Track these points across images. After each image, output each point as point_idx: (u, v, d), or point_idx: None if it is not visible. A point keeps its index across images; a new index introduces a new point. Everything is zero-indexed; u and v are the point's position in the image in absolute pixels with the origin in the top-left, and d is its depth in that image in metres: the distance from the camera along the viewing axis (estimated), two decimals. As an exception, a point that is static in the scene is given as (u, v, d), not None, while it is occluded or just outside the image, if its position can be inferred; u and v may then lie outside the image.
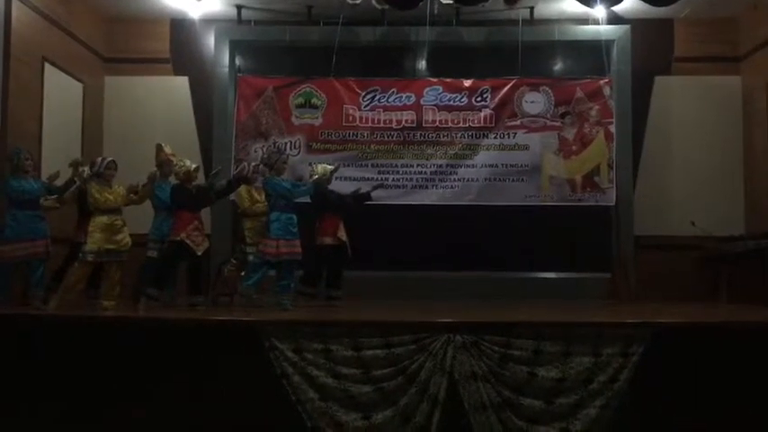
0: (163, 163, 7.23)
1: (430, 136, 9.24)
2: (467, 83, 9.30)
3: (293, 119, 9.25)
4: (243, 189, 7.40)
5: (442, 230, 9.23)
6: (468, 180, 9.19)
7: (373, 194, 7.86)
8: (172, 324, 5.64)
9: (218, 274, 7.69)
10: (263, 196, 7.34)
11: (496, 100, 9.25)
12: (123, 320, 5.87)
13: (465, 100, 9.27)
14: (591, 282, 9.17)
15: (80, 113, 8.97)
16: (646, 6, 8.10)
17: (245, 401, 5.32)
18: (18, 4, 7.56)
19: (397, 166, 9.21)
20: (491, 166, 9.19)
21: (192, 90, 9.55)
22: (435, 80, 9.36)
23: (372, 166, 9.18)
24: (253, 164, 7.57)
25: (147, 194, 7.06)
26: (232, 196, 7.63)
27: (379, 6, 8.57)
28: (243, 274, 7.30)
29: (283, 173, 7.24)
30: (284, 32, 9.39)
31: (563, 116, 9.25)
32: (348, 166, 8.90)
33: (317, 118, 9.26)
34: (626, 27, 9.37)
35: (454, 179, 9.19)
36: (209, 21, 9.40)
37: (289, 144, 9.09)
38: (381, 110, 9.26)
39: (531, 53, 9.32)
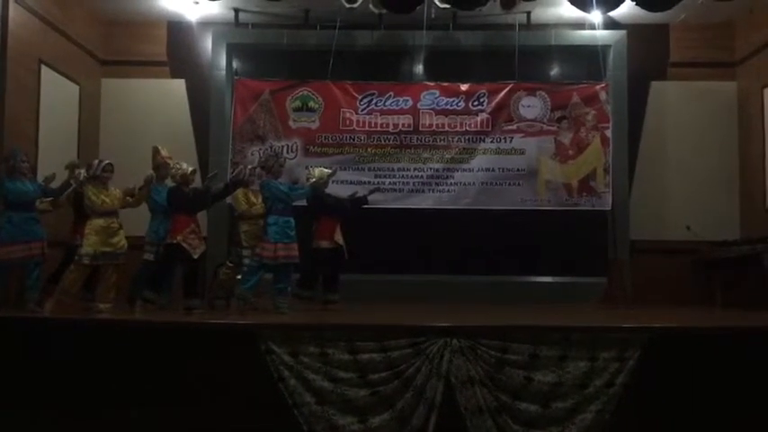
0: (159, 166, 7.21)
1: (427, 140, 9.25)
2: (463, 87, 9.32)
3: (290, 122, 9.26)
4: (240, 192, 7.40)
5: (438, 234, 9.22)
6: (464, 184, 9.20)
7: (370, 198, 7.87)
8: (168, 327, 5.63)
9: (214, 278, 7.68)
10: (260, 199, 7.34)
11: (493, 104, 9.27)
12: (119, 323, 5.86)
13: (462, 104, 9.29)
14: (587, 286, 9.18)
15: (77, 116, 8.96)
16: (642, 12, 8.13)
17: (242, 405, 5.31)
18: (15, 6, 7.56)
19: (393, 169, 9.23)
20: (487, 170, 9.21)
21: (189, 93, 9.55)
22: (432, 84, 9.37)
23: (369, 169, 9.19)
24: (250, 167, 7.57)
25: (143, 197, 7.05)
26: (229, 199, 7.62)
27: (376, 10, 8.58)
28: (239, 277, 7.29)
29: (280, 176, 7.23)
30: (281, 36, 9.40)
31: (559, 120, 9.28)
32: (345, 169, 8.90)
33: (314, 121, 9.27)
34: (622, 32, 9.40)
35: (451, 183, 9.21)
36: (206, 24, 9.40)
37: (286, 147, 9.09)
38: (378, 113, 9.28)
39: (528, 58, 9.36)
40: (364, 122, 9.27)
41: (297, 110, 9.28)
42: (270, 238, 6.85)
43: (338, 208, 7.49)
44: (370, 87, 9.31)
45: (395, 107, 9.29)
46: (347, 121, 9.26)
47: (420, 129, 9.26)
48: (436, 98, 9.31)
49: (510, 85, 9.28)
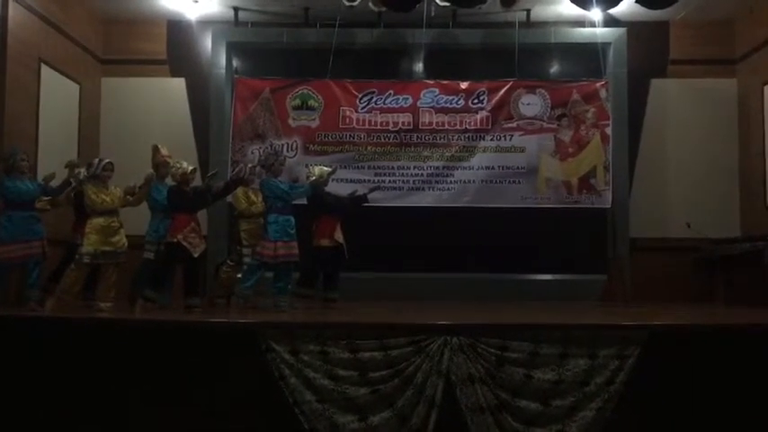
0: (159, 164, 7.21)
1: (426, 138, 9.25)
2: (463, 85, 9.32)
3: (290, 121, 9.26)
4: (240, 191, 7.40)
5: (438, 232, 9.23)
6: (464, 182, 9.20)
7: (370, 196, 7.86)
8: (168, 326, 5.63)
9: (214, 276, 7.68)
10: (260, 198, 7.34)
11: (493, 102, 9.27)
12: (120, 322, 5.86)
13: (461, 102, 9.29)
14: (587, 284, 9.18)
15: (77, 115, 8.97)
16: (642, 9, 8.13)
17: (242, 403, 5.32)
18: (15, 5, 7.56)
19: (393, 168, 9.23)
20: (487, 168, 9.21)
21: (188, 92, 9.56)
22: (432, 82, 9.37)
23: (369, 167, 9.20)
24: (249, 165, 7.57)
25: (143, 196, 7.04)
26: (229, 198, 7.62)
27: (375, 8, 8.58)
28: (239, 275, 7.29)
29: (280, 174, 7.24)
30: (281, 34, 9.40)
31: (559, 118, 9.28)
32: (345, 167, 8.90)
33: (313, 120, 9.27)
34: (622, 30, 9.40)
35: (451, 181, 9.21)
36: (206, 22, 9.41)
37: (285, 146, 9.09)
38: (378, 112, 9.27)
39: (528, 55, 9.36)
40: (364, 121, 9.27)
41: (297, 108, 9.28)
42: (270, 236, 6.85)
43: (338, 206, 7.48)
44: (370, 86, 9.31)
45: (395, 105, 9.29)
46: (347, 120, 9.26)
47: (420, 127, 9.26)
48: (436, 96, 9.31)
49: (510, 83, 9.28)
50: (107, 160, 6.80)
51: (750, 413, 5.29)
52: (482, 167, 9.21)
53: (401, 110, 9.29)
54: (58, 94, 8.48)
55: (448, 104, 9.30)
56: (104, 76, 9.59)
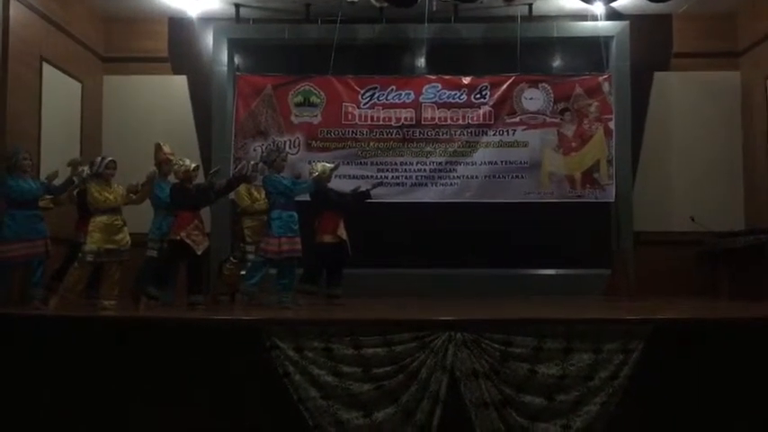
0: (162, 162, 7.21)
1: (429, 133, 9.24)
2: (465, 80, 9.30)
3: (292, 117, 9.26)
4: (242, 188, 7.40)
5: (441, 228, 9.23)
6: (467, 177, 9.19)
7: (373, 192, 7.86)
8: (172, 324, 5.63)
9: (217, 274, 7.69)
10: (263, 194, 7.34)
11: (495, 97, 9.25)
12: (123, 320, 5.86)
13: (464, 97, 9.28)
14: (591, 278, 9.18)
15: (79, 113, 8.97)
16: (644, 2, 8.13)
17: (247, 401, 5.32)
18: (16, 4, 7.56)
19: (396, 163, 9.23)
20: (490, 163, 9.20)
21: (190, 89, 9.55)
22: (434, 77, 9.36)
23: (372, 163, 9.19)
24: (252, 162, 7.57)
25: (146, 194, 7.04)
26: (232, 195, 7.62)
27: (377, 4, 8.57)
28: (243, 272, 7.29)
29: (282, 170, 7.23)
30: (283, 31, 9.40)
31: (562, 113, 9.26)
32: (347, 163, 8.90)
33: (316, 116, 9.26)
34: (624, 23, 9.38)
35: (453, 176, 9.20)
36: (207, 19, 9.40)
37: (288, 142, 9.09)
38: (380, 108, 9.27)
39: (530, 50, 9.34)
40: (366, 117, 9.26)
41: (299, 105, 9.28)
42: (274, 232, 6.84)
43: (341, 203, 7.47)
44: (372, 81, 9.30)
45: (397, 101, 9.28)
46: (349, 116, 9.25)
47: (422, 122, 9.25)
48: (438, 91, 9.30)
49: (512, 78, 9.26)
50: (110, 158, 6.79)
51: (755, 407, 5.29)
52: (485, 162, 9.20)
53: (403, 105, 9.28)
54: (59, 93, 8.48)
55: (450, 99, 9.28)
56: (106, 74, 9.59)
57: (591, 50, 9.41)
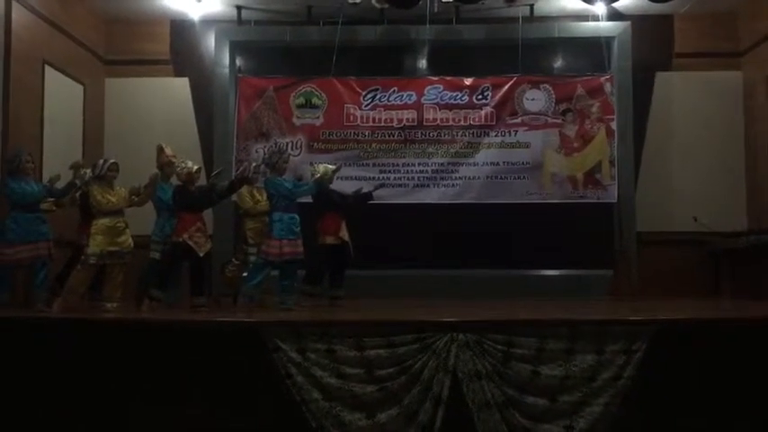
0: (164, 164, 7.22)
1: (431, 134, 9.24)
2: (467, 81, 9.30)
3: (294, 119, 9.26)
4: (244, 189, 7.40)
5: (443, 229, 9.22)
6: (469, 178, 9.19)
7: (375, 194, 7.85)
8: (175, 326, 5.64)
9: (220, 275, 7.69)
10: (265, 196, 7.34)
11: (497, 98, 9.25)
12: (126, 322, 5.87)
13: (466, 98, 9.27)
14: (593, 279, 9.16)
15: (81, 115, 8.99)
16: (645, 2, 8.12)
17: (249, 402, 5.32)
18: (18, 6, 7.57)
19: (398, 165, 9.23)
20: (492, 164, 9.20)
21: (192, 91, 9.57)
22: (436, 78, 9.36)
23: (374, 165, 9.20)
24: (254, 164, 7.56)
25: (148, 196, 7.04)
26: (234, 197, 7.62)
27: (378, 5, 8.58)
28: (245, 274, 7.30)
29: (284, 173, 7.23)
30: (284, 33, 9.41)
31: (564, 113, 9.26)
32: (349, 165, 8.91)
33: (317, 118, 9.27)
34: (626, 23, 9.37)
35: (455, 177, 9.20)
36: (209, 21, 9.42)
37: (290, 144, 9.09)
38: (382, 109, 9.27)
39: (532, 50, 9.33)
40: (368, 118, 9.26)
41: (300, 106, 9.28)
42: (275, 235, 6.84)
43: (343, 204, 7.47)
44: (374, 83, 9.31)
45: (399, 102, 9.28)
46: (351, 117, 9.26)
47: (424, 123, 9.25)
48: (440, 92, 9.29)
49: (514, 79, 9.26)
50: (112, 161, 6.80)
51: (758, 407, 5.28)
52: (487, 163, 9.20)
53: (405, 106, 9.28)
54: (61, 96, 8.49)
55: (452, 101, 9.28)
56: (108, 76, 9.60)
57: (592, 51, 9.41)
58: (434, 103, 9.27)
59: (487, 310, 6.66)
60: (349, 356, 5.25)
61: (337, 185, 7.71)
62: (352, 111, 9.26)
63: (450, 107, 9.27)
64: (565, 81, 9.34)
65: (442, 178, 9.21)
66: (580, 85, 9.26)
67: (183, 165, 6.93)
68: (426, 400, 5.16)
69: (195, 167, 6.97)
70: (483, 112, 9.26)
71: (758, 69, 9.12)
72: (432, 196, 9.20)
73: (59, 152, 8.05)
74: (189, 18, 9.32)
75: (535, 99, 9.27)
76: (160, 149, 7.33)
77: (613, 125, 9.20)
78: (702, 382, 5.27)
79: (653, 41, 9.49)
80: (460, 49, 9.61)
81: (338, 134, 9.24)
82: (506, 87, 9.26)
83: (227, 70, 9.51)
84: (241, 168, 7.46)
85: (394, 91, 9.29)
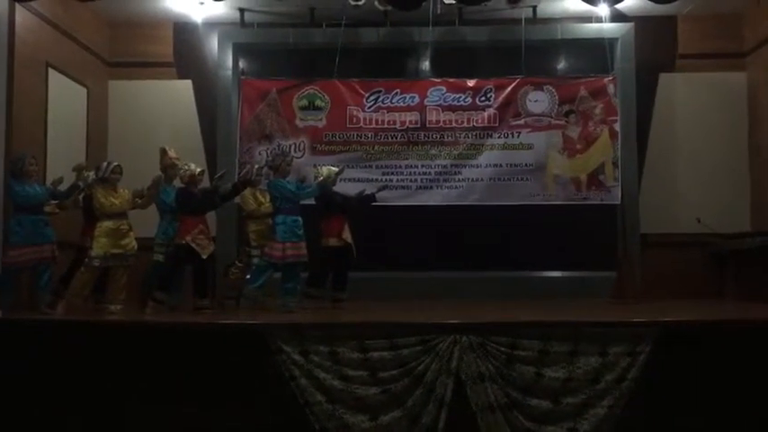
0: (167, 167, 7.24)
1: (434, 136, 9.23)
2: (470, 83, 9.29)
3: (297, 121, 9.26)
4: (248, 191, 7.41)
5: (446, 231, 9.22)
6: (472, 180, 9.18)
7: (378, 196, 7.86)
8: (178, 328, 5.65)
9: (223, 277, 7.70)
10: (268, 199, 7.35)
11: (500, 99, 9.24)
12: (130, 324, 5.89)
13: (469, 100, 9.26)
14: (597, 281, 9.12)
15: (84, 118, 8.98)
16: (649, 4, 8.07)
17: (253, 405, 5.33)
18: (22, 9, 7.57)
19: (401, 166, 9.21)
20: (495, 165, 9.19)
21: (195, 93, 9.56)
22: (439, 80, 9.35)
23: (377, 167, 9.18)
24: (257, 166, 7.58)
25: (152, 199, 7.07)
26: (237, 199, 7.63)
27: (381, 7, 8.56)
28: (248, 276, 7.30)
29: (288, 175, 7.24)
30: (287, 35, 9.39)
31: (567, 115, 9.24)
32: (352, 167, 8.89)
33: (320, 120, 9.26)
34: (629, 25, 9.35)
35: (459, 179, 9.19)
36: (212, 24, 9.42)
37: (293, 146, 9.09)
38: (385, 111, 9.25)
39: (535, 52, 9.31)
40: (371, 120, 9.26)
41: (303, 108, 9.28)
42: (278, 237, 6.86)
43: (346, 206, 7.48)
44: (377, 85, 9.30)
45: (402, 104, 9.27)
46: (354, 119, 9.25)
47: (427, 125, 9.23)
48: (443, 94, 9.29)
49: (517, 80, 9.24)
50: (115, 163, 6.83)
51: (762, 409, 5.26)
52: (490, 165, 9.18)
53: (408, 108, 9.27)
54: (65, 98, 8.50)
55: (455, 102, 9.27)
56: (111, 79, 9.60)
57: (595, 52, 9.38)
58: (437, 105, 9.26)
59: (491, 312, 6.67)
60: (352, 359, 5.26)
61: (340, 187, 7.72)
62: (355, 113, 9.26)
63: (453, 109, 9.26)
64: (568, 82, 9.32)
65: (445, 180, 9.20)
66: (583, 86, 9.25)
67: (186, 167, 6.95)
68: (429, 402, 5.17)
69: (198, 170, 6.99)
70: (486, 114, 9.25)
71: (762, 71, 9.09)
72: (435, 198, 9.19)
73: (63, 155, 8.05)
74: (192, 20, 9.32)
75: (538, 100, 9.26)
76: (163, 152, 7.34)
77: (617, 126, 9.18)
78: (707, 385, 5.26)
79: (656, 43, 9.47)
80: (463, 50, 9.59)
81: (341, 136, 9.24)
82: (509, 89, 9.25)
83: (230, 72, 9.51)
84: (244, 170, 7.49)
85: (397, 93, 9.28)
